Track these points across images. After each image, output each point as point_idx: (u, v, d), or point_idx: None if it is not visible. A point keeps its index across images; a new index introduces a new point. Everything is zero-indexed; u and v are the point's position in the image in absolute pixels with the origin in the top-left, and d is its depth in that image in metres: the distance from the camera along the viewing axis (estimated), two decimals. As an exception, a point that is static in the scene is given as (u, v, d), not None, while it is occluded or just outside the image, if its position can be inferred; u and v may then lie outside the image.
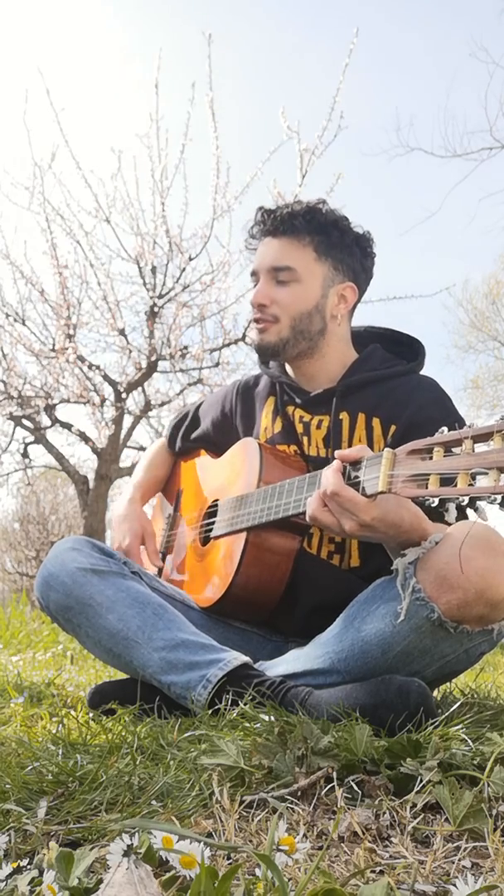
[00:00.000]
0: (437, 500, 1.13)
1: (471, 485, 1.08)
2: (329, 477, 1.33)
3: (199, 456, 1.98)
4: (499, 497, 1.05)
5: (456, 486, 1.09)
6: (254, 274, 1.73)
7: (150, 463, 2.07)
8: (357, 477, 1.32)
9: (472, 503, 1.09)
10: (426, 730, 1.18)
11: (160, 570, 1.95)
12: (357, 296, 1.73)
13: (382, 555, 1.50)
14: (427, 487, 1.15)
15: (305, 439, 1.71)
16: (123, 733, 1.27)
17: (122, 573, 1.59)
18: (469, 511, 1.11)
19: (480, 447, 1.10)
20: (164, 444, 2.08)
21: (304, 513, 1.42)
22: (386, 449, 1.26)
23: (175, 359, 7.34)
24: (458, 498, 1.09)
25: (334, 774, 1.00)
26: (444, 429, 1.17)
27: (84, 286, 7.30)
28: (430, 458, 1.17)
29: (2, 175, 9.75)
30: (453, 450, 1.15)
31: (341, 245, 1.69)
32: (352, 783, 1.00)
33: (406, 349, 1.78)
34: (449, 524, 1.34)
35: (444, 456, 1.15)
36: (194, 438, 1.99)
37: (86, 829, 0.88)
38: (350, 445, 1.65)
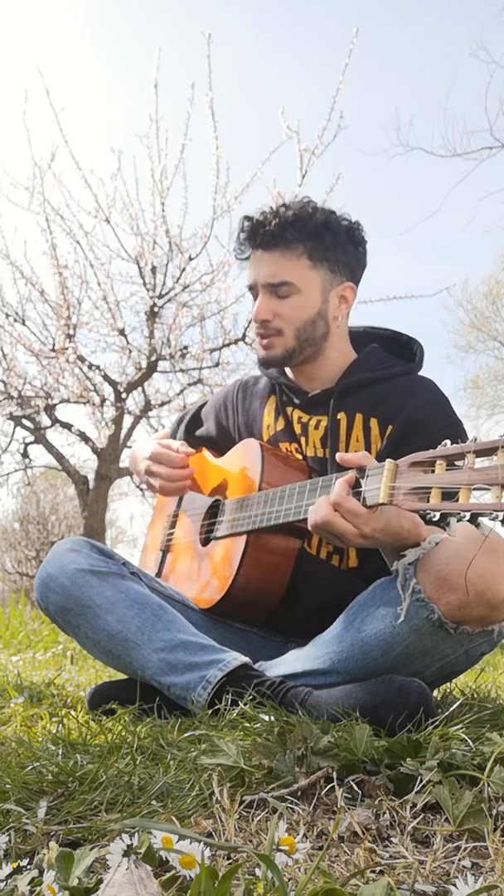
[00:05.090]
0: (437, 515, 1.13)
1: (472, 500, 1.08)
2: (335, 487, 1.34)
3: (201, 455, 1.98)
4: (501, 514, 1.05)
5: (458, 500, 1.10)
6: (251, 288, 1.70)
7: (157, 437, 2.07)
8: (359, 487, 1.32)
9: (474, 519, 1.09)
10: (426, 730, 1.18)
11: (161, 568, 1.95)
12: (356, 292, 1.73)
13: (380, 556, 1.50)
14: (428, 501, 1.15)
15: (303, 439, 1.71)
16: (123, 733, 1.27)
17: (122, 574, 1.59)
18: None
19: (483, 462, 1.10)
20: (167, 434, 2.08)
21: (305, 519, 1.42)
22: (388, 460, 1.26)
23: (175, 359, 7.34)
24: (459, 513, 1.09)
25: (334, 774, 1.00)
26: (447, 441, 1.17)
27: (84, 286, 7.30)
28: (432, 470, 1.17)
29: (2, 175, 9.73)
30: (456, 463, 1.15)
31: (335, 246, 1.67)
32: (352, 783, 1.00)
33: (405, 350, 1.78)
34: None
35: (447, 469, 1.15)
36: (196, 436, 1.99)
37: (86, 829, 0.88)
38: (347, 446, 1.65)
